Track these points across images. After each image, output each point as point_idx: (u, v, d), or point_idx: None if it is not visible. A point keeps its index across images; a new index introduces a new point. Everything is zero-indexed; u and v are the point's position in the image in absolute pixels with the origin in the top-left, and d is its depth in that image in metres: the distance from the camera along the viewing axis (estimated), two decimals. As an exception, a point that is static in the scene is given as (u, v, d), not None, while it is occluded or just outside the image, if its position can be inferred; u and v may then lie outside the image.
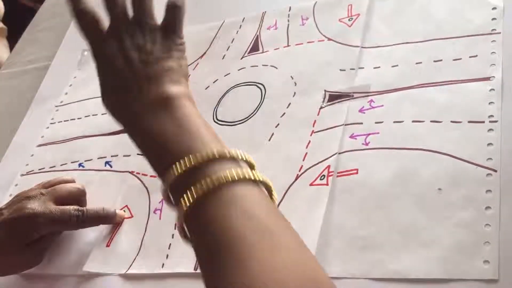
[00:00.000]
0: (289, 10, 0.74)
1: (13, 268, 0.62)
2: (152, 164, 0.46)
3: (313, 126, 0.61)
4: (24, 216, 0.59)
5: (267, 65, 0.70)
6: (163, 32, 0.54)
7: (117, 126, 0.73)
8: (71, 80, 0.85)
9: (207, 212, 0.40)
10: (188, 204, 0.41)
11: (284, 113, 0.64)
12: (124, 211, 0.64)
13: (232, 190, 0.40)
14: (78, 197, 0.64)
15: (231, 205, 0.40)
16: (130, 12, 0.54)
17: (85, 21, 0.53)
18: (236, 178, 0.41)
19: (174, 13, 0.54)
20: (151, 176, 0.66)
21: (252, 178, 0.41)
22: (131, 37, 0.52)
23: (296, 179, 0.58)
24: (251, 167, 0.44)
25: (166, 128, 0.46)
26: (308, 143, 0.60)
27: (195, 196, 0.40)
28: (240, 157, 0.43)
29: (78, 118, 0.79)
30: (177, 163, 0.42)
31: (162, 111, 0.47)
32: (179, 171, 0.42)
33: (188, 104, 0.49)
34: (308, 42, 0.70)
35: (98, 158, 0.72)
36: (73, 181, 0.67)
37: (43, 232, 0.60)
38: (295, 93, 0.65)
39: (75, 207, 0.61)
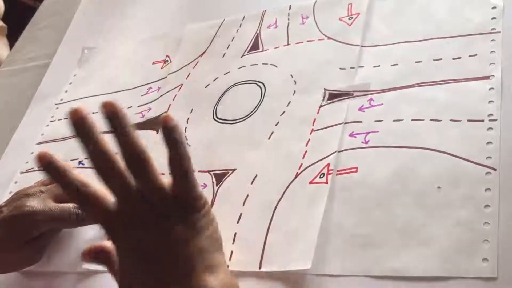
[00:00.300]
0: (289, 9, 0.74)
1: (13, 265, 0.62)
2: None
3: (313, 124, 0.61)
4: (23, 213, 0.59)
5: (267, 64, 0.70)
6: (178, 202, 0.45)
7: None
8: (71, 78, 0.85)
9: None
10: None
11: (284, 112, 0.64)
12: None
13: None
14: (78, 195, 0.64)
15: None
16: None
17: (89, 206, 0.46)
18: None
19: (181, 167, 0.46)
20: (151, 174, 0.66)
21: None
22: (144, 225, 0.45)
23: (295, 177, 0.58)
24: None
25: None
26: (308, 141, 0.60)
27: None
28: None
29: (78, 116, 0.79)
30: None
31: None
32: None
33: None
34: (308, 41, 0.70)
35: (98, 156, 0.72)
36: (73, 178, 0.67)
37: (42, 230, 0.60)
38: (295, 91, 0.65)
39: (75, 205, 0.61)
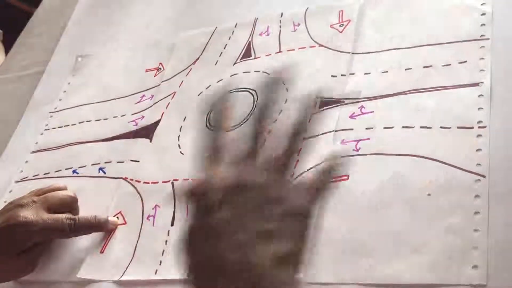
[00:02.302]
0: (281, 16, 0.75)
1: (7, 275, 0.62)
2: None
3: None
4: (16, 224, 0.59)
5: (259, 71, 0.70)
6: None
7: (110, 132, 0.74)
8: (65, 86, 0.85)
9: None
10: None
11: (276, 120, 0.64)
12: (117, 217, 0.64)
13: None
14: (70, 205, 0.65)
15: None
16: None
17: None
18: None
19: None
20: (144, 182, 0.66)
21: None
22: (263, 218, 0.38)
23: (288, 185, 0.58)
24: None
25: None
26: (299, 149, 0.60)
27: None
28: None
29: (72, 125, 0.79)
30: None
31: None
32: None
33: None
34: (299, 48, 0.70)
35: (92, 165, 0.72)
36: (65, 188, 0.67)
37: (36, 240, 0.60)
38: (286, 99, 0.66)
39: (68, 215, 0.61)
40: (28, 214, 0.60)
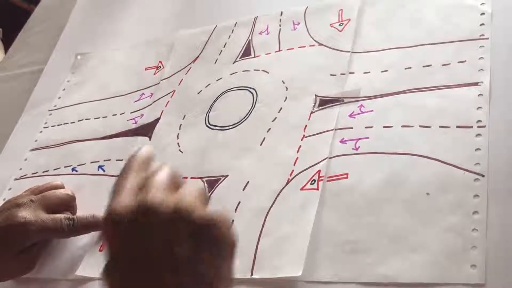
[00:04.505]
0: (281, 15, 0.75)
1: (5, 275, 0.62)
2: None
3: (304, 130, 0.61)
4: (15, 224, 0.59)
5: (258, 70, 0.70)
6: None
7: (109, 130, 0.74)
8: (64, 84, 0.85)
9: None
10: None
11: (276, 118, 0.64)
12: (116, 215, 0.64)
13: None
14: (68, 203, 0.65)
15: None
16: None
17: None
18: None
19: None
20: (143, 180, 0.66)
21: None
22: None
23: (287, 184, 0.58)
24: None
25: None
26: (299, 147, 0.60)
27: None
28: None
29: (71, 122, 0.79)
30: None
31: None
32: None
33: None
34: (299, 47, 0.70)
35: (91, 163, 0.72)
36: (62, 186, 0.67)
37: (34, 240, 0.60)
38: (286, 97, 0.66)
39: (66, 215, 0.61)
40: (26, 214, 0.59)
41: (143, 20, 0.88)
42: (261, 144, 0.63)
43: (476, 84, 0.57)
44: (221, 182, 0.62)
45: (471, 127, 0.54)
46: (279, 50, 0.71)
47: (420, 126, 0.56)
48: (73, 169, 0.73)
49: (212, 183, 0.62)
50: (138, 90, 0.78)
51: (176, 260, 0.37)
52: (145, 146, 0.44)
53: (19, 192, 0.67)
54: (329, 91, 0.63)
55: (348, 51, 0.66)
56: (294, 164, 0.59)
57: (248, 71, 0.71)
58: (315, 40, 0.70)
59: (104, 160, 0.71)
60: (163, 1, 0.88)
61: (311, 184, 0.57)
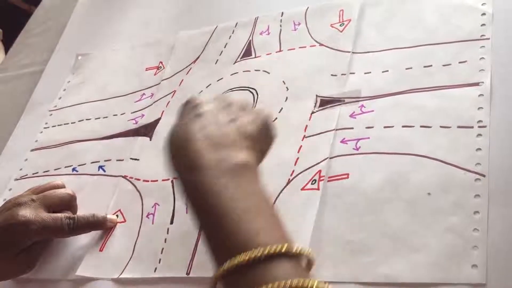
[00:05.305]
0: (282, 16, 0.75)
1: (6, 274, 0.62)
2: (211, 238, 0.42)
3: (305, 131, 0.61)
4: (16, 223, 0.59)
5: (259, 70, 0.71)
6: None
7: (110, 130, 0.74)
8: (65, 85, 0.85)
9: None
10: None
11: (276, 118, 0.64)
12: (116, 215, 0.64)
13: None
14: (69, 203, 0.65)
15: None
16: None
17: None
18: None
19: None
20: (144, 180, 0.66)
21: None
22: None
23: (287, 184, 0.58)
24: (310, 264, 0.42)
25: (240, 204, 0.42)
26: (300, 147, 0.60)
27: None
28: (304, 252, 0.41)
29: (71, 123, 0.79)
30: (242, 254, 0.39)
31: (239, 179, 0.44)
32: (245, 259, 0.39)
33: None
34: (300, 47, 0.70)
35: (92, 163, 0.72)
36: (63, 186, 0.67)
37: (35, 239, 0.60)
38: (287, 98, 0.66)
39: (67, 214, 0.61)
40: (27, 213, 0.60)
41: (143, 21, 0.88)
42: (261, 144, 0.63)
43: (477, 84, 0.57)
44: (221, 182, 0.61)
45: (472, 127, 0.54)
46: (280, 51, 0.71)
47: (421, 126, 0.56)
48: (73, 169, 0.73)
49: (213, 183, 0.62)
50: (138, 91, 0.78)
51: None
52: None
53: (20, 192, 0.67)
54: (330, 91, 0.63)
55: (349, 51, 0.66)
56: (295, 164, 0.59)
57: (249, 71, 0.71)
58: (315, 41, 0.70)
59: (105, 160, 0.71)
60: (163, 2, 0.88)
61: (311, 184, 0.57)
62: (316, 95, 0.64)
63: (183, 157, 0.46)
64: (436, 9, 0.65)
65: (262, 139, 0.50)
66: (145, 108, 0.75)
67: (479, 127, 0.54)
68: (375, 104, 0.60)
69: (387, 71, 0.62)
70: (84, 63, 0.87)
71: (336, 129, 0.60)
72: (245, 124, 0.49)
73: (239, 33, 0.76)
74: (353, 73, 0.64)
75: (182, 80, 0.75)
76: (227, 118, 0.48)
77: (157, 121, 0.72)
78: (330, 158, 0.58)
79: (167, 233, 0.60)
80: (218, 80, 0.72)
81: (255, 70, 0.71)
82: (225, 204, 0.42)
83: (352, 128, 0.59)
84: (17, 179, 0.76)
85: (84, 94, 0.82)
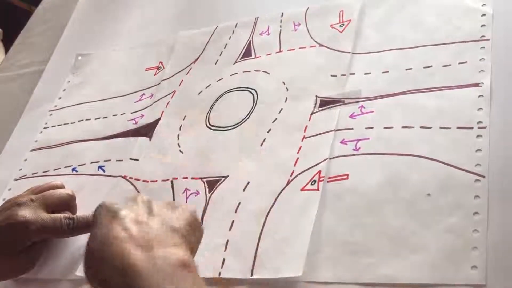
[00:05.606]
0: (282, 16, 0.75)
1: (5, 274, 0.62)
2: None
3: (305, 131, 0.61)
4: (15, 223, 0.59)
5: (259, 71, 0.71)
6: None
7: (110, 131, 0.74)
8: (64, 85, 0.85)
9: None
10: None
11: (276, 119, 0.64)
12: (116, 215, 0.64)
13: None
14: (68, 203, 0.64)
15: None
16: None
17: None
18: None
19: None
20: (143, 181, 0.66)
21: None
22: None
23: (287, 184, 0.58)
24: None
25: None
26: (300, 148, 0.60)
27: None
28: None
29: (71, 123, 0.79)
30: None
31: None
32: None
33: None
34: (300, 48, 0.70)
35: (91, 163, 0.72)
36: (62, 186, 0.67)
37: (34, 239, 0.60)
38: (286, 98, 0.66)
39: (66, 215, 0.61)
40: (26, 213, 0.59)
41: (143, 21, 0.88)
42: (261, 145, 0.63)
43: (476, 85, 0.57)
44: (221, 183, 0.62)
45: (472, 128, 0.54)
46: (280, 51, 0.71)
47: (421, 127, 0.56)
48: (73, 170, 0.73)
49: (213, 183, 0.62)
50: (138, 91, 0.78)
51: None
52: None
53: (19, 192, 0.67)
54: (330, 92, 0.63)
55: (349, 52, 0.66)
56: (295, 165, 0.59)
57: (249, 71, 0.71)
58: (315, 41, 0.70)
59: (104, 161, 0.71)
60: (163, 2, 0.88)
61: (311, 184, 0.57)
62: (316, 96, 0.64)
63: (110, 260, 0.43)
64: (436, 10, 0.65)
65: (191, 233, 0.47)
66: (145, 108, 0.75)
67: (479, 128, 0.54)
68: (375, 104, 0.60)
69: (387, 71, 0.62)
70: (84, 63, 0.87)
71: (336, 130, 0.60)
72: (172, 219, 0.47)
73: (239, 33, 0.76)
74: (353, 73, 0.64)
75: (182, 80, 0.75)
76: (148, 216, 0.47)
77: (157, 121, 0.72)
78: (330, 158, 0.58)
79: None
80: (218, 81, 0.72)
81: (255, 71, 0.71)
82: None
83: (352, 128, 0.59)
84: (17, 179, 0.75)
85: (84, 94, 0.82)
